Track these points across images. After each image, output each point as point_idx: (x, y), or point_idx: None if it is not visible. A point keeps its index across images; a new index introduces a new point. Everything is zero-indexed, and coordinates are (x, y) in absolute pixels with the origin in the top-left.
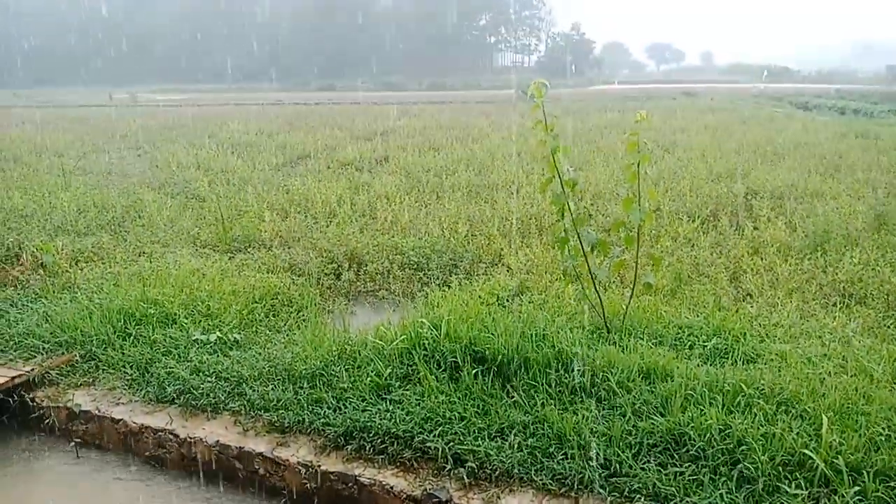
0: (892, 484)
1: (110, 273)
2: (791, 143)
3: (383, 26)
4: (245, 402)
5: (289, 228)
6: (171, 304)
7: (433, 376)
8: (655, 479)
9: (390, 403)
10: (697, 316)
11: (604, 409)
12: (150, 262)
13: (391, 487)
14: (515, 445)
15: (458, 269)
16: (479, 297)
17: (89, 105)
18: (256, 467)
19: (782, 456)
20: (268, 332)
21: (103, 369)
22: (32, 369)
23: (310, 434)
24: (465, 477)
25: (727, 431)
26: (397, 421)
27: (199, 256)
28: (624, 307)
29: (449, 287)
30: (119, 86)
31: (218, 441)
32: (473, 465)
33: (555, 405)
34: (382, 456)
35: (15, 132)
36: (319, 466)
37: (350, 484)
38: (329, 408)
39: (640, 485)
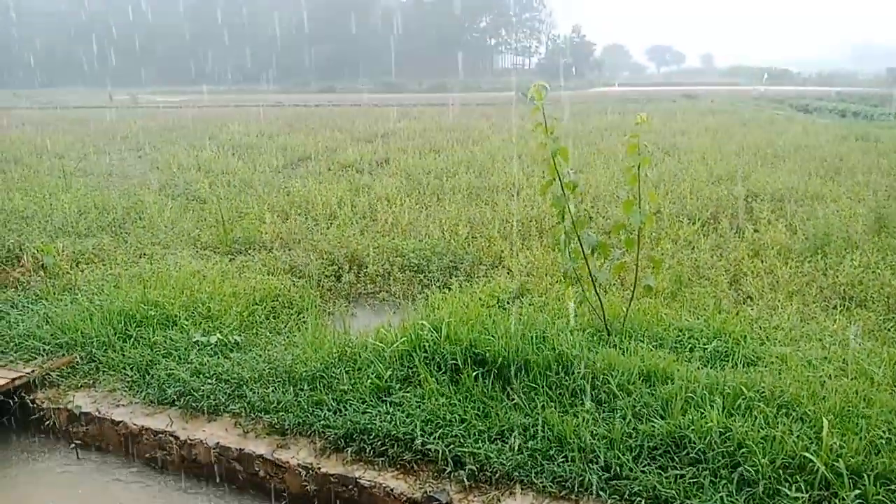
0: (892, 487)
1: (111, 275)
2: (791, 146)
3: (383, 28)
4: (245, 404)
5: (289, 230)
6: (172, 305)
7: (433, 378)
8: (656, 481)
9: (391, 406)
10: (698, 318)
11: (604, 412)
12: (151, 263)
13: (391, 490)
14: (516, 448)
15: (458, 271)
16: (480, 299)
17: (90, 106)
18: (256, 469)
19: (783, 459)
20: (268, 333)
21: (104, 371)
22: (33, 371)
23: (310, 436)
24: (465, 479)
25: (727, 434)
26: (397, 423)
27: (200, 258)
28: (624, 310)
29: (449, 289)
30: (119, 87)
31: (218, 443)
32: (474, 467)
33: (555, 407)
34: (383, 458)
35: (15, 133)
36: (319, 469)
37: (350, 486)
38: (329, 410)
39: (641, 487)
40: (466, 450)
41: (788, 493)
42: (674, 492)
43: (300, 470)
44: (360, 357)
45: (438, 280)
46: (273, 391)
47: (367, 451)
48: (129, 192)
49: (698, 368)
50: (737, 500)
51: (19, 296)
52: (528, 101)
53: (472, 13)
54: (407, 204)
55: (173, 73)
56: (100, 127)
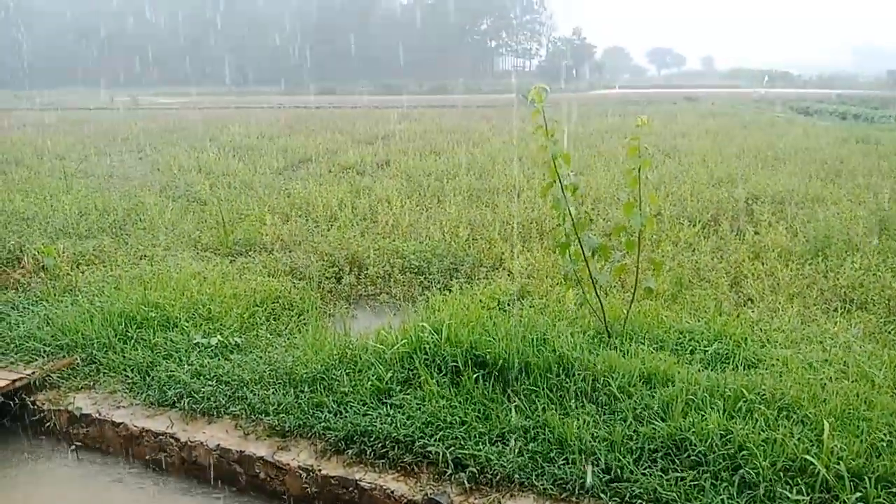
0: (893, 490)
1: (111, 276)
2: (792, 148)
3: (384, 30)
4: (246, 406)
5: (290, 232)
6: (172, 307)
7: (434, 380)
8: (656, 484)
9: (391, 408)
10: (698, 321)
11: (605, 414)
12: (152, 265)
13: (392, 492)
14: (516, 450)
15: (458, 273)
16: (480, 301)
17: (91, 108)
18: (257, 471)
19: (783, 461)
20: (269, 335)
21: (104, 373)
22: (33, 372)
23: (310, 438)
24: (465, 482)
25: (728, 437)
26: (398, 425)
27: (201, 260)
28: (625, 312)
29: (450, 291)
30: (120, 88)
31: (218, 445)
32: (474, 469)
33: (556, 410)
34: (383, 460)
35: (16, 135)
36: (320, 471)
37: (351, 488)
38: (330, 412)
39: (641, 490)
40: (467, 452)
41: (789, 495)
42: (674, 494)
43: (301, 472)
44: (360, 359)
45: (439, 282)
46: (273, 393)
47: (368, 453)
48: (129, 193)
49: (699, 371)
50: (737, 502)
51: (20, 297)
52: (528, 104)
53: (473, 15)
54: (407, 206)
55: (174, 74)
56: (101, 128)
